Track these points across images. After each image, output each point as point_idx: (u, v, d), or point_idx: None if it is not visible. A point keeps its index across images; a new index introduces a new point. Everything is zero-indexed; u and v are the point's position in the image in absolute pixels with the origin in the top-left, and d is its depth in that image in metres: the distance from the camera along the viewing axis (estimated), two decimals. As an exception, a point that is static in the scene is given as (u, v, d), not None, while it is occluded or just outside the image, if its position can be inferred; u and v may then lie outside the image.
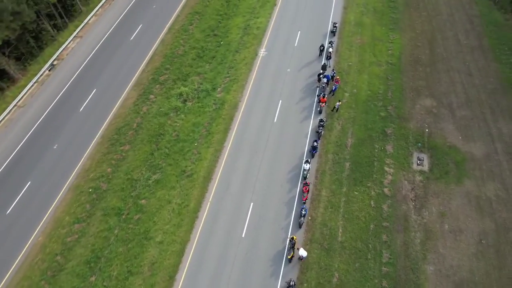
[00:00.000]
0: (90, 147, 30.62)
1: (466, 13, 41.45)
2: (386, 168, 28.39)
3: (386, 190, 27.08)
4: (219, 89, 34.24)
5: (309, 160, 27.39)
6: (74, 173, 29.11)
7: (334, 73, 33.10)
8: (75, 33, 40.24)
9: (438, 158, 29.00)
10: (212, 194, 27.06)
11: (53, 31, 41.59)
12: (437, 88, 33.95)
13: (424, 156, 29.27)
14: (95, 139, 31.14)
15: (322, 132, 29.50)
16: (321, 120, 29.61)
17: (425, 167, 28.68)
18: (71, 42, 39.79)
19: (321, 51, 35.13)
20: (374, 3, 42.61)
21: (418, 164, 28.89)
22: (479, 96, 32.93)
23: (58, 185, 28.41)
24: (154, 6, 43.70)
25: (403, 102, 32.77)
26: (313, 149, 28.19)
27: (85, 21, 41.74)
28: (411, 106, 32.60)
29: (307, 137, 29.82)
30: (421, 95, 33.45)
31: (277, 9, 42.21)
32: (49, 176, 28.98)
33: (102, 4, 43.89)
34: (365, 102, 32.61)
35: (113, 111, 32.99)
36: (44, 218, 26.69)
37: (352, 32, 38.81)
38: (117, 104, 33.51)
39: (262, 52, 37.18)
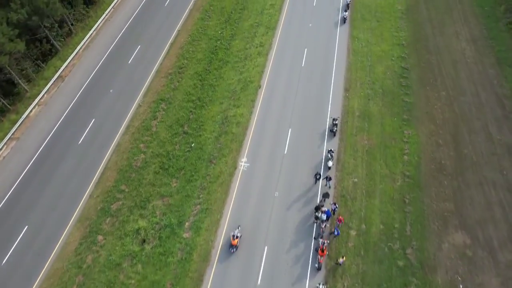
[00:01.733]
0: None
1: (495, 92, 33.59)
2: None
3: None
4: (187, 223, 26.32)
5: None
6: None
7: (336, 207, 25.17)
8: (10, 134, 32.12)
9: (480, 336, 21.41)
10: None
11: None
12: (469, 214, 26.19)
13: (460, 331, 21.70)
14: (17, 318, 23.21)
15: (322, 310, 21.72)
16: (320, 291, 21.85)
17: None
18: (4, 146, 31.62)
19: (317, 179, 26.95)
20: (382, 80, 34.62)
21: None
22: (527, 228, 25.25)
23: None
24: (111, 91, 35.30)
25: (427, 240, 25.02)
26: None
27: (25, 114, 33.58)
28: (437, 245, 24.85)
29: (302, 315, 22.04)
30: (449, 226, 25.69)
31: (262, 94, 33.99)
32: None
33: (48, 89, 35.62)
34: (377, 244, 24.80)
35: (45, 268, 24.76)
36: None
37: (357, 129, 30.85)
38: (52, 255, 25.33)
39: (242, 163, 29.13)
